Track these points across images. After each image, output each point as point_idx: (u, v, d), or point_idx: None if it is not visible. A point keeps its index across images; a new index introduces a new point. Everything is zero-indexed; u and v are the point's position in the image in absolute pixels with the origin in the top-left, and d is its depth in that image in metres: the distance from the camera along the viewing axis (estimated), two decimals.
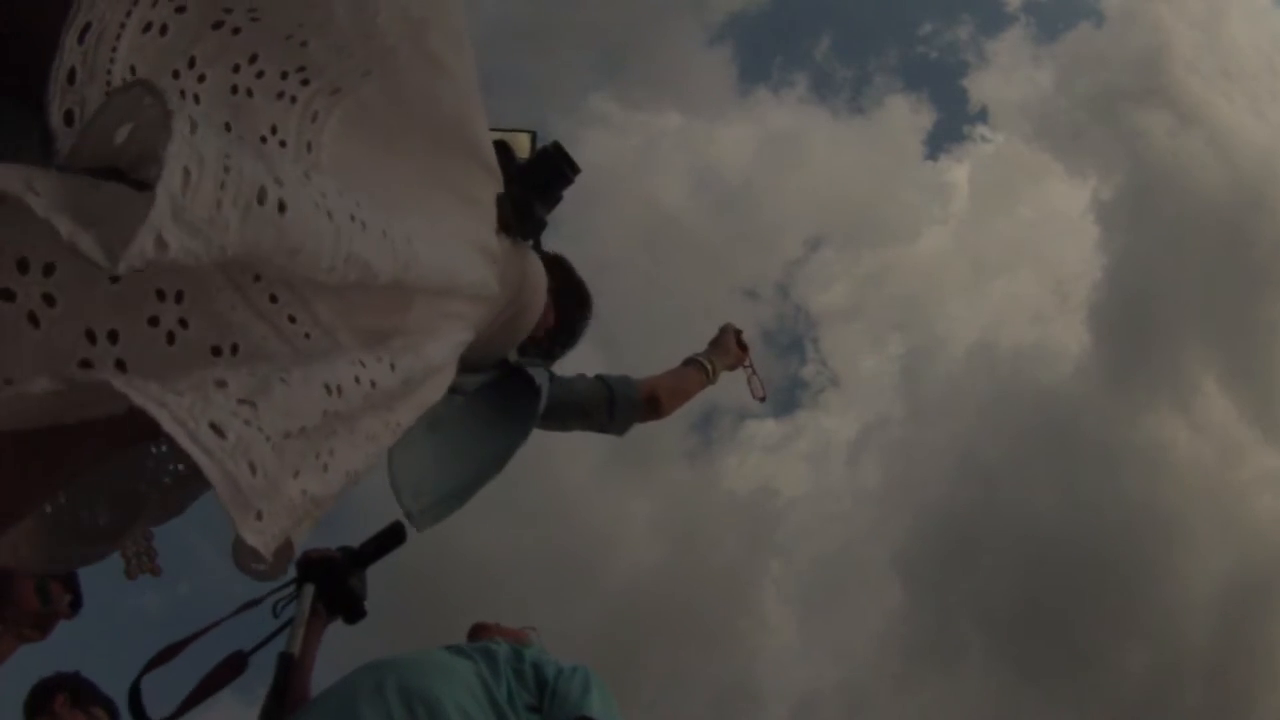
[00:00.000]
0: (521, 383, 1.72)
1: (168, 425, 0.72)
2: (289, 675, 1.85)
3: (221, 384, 0.79)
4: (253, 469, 0.78)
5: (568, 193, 1.61)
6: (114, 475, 1.13)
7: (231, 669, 1.90)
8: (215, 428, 0.76)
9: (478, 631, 2.02)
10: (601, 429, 1.91)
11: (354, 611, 2.05)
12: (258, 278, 0.88)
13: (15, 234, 0.74)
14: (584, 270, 1.98)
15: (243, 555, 1.05)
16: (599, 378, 1.92)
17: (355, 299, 0.99)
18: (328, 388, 0.90)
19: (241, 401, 0.79)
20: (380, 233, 0.95)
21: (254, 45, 0.91)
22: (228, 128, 0.90)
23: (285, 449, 0.83)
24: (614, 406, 1.87)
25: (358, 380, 0.95)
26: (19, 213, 0.69)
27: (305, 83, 0.96)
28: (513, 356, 1.74)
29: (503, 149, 1.45)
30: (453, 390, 1.53)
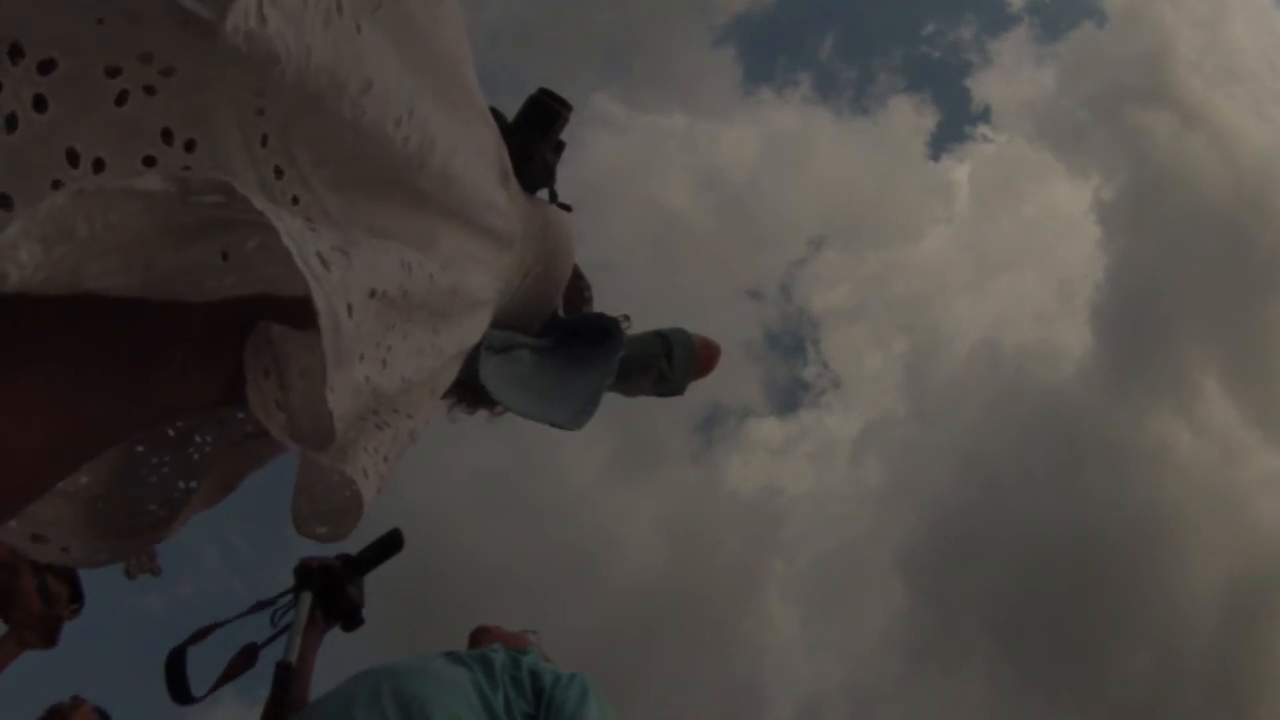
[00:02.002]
0: (587, 335, 1.69)
1: (285, 238, 0.69)
2: (289, 684, 1.86)
3: (313, 229, 0.76)
4: (350, 311, 0.75)
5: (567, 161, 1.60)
6: (157, 472, 1.11)
7: (245, 660, 1.94)
8: (322, 258, 0.72)
9: (479, 635, 2.02)
10: (663, 380, 1.86)
11: (352, 619, 2.06)
12: (296, 200, 0.83)
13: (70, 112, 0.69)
14: (587, 271, 1.98)
15: (304, 516, 0.97)
16: (653, 331, 1.90)
17: (385, 229, 0.93)
18: (402, 261, 0.87)
19: (335, 248, 0.76)
20: (430, 106, 0.92)
21: None
22: None
23: (368, 311, 0.79)
24: (670, 345, 1.83)
25: (420, 265, 0.91)
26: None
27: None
28: (561, 311, 1.71)
29: (493, 112, 1.43)
30: (510, 348, 1.54)
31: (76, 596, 2.70)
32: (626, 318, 1.87)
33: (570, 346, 1.67)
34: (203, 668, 1.93)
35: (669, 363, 1.84)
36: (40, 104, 0.68)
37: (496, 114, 1.46)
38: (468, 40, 1.19)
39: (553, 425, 1.48)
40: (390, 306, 0.86)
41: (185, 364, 0.82)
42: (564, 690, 1.70)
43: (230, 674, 1.90)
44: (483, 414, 1.66)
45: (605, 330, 1.68)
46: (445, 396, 1.46)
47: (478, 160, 1.18)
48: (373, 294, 0.80)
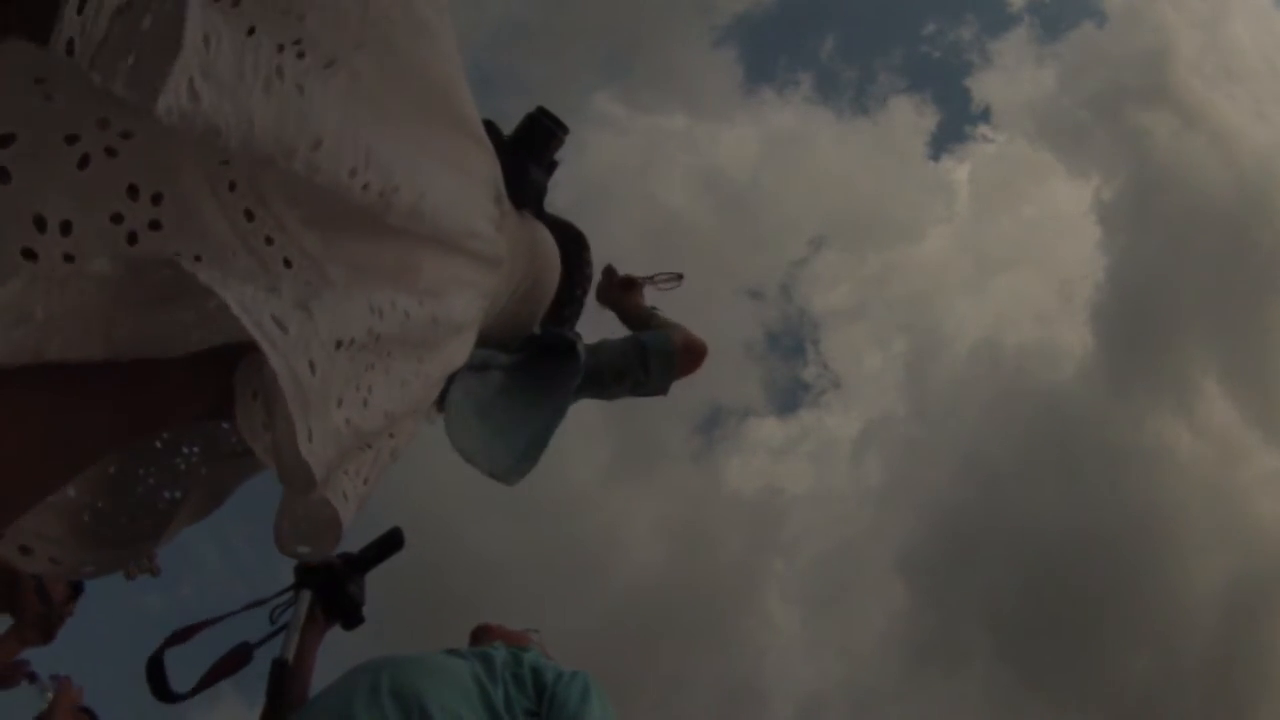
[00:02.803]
0: (557, 350, 1.70)
1: (235, 309, 0.71)
2: (283, 681, 1.86)
3: (274, 289, 0.78)
4: (312, 368, 0.77)
5: (562, 160, 1.61)
6: (144, 483, 1.12)
7: (238, 659, 1.93)
8: (277, 321, 0.74)
9: (480, 634, 2.01)
10: (641, 386, 1.85)
11: (352, 617, 2.06)
12: (270, 240, 0.84)
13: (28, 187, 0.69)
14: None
15: (285, 535, 0.99)
16: (631, 335, 1.90)
17: (365, 261, 0.95)
18: (370, 306, 0.88)
19: (296, 305, 0.78)
20: (394, 149, 0.93)
21: (252, 18, 0.87)
22: None
23: (335, 361, 0.81)
24: (647, 356, 1.82)
25: (394, 305, 0.93)
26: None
27: (300, 56, 0.92)
28: (536, 330, 1.72)
29: (490, 126, 1.43)
30: (487, 367, 1.55)
31: (76, 591, 2.70)
32: (679, 276, 1.88)
33: (541, 362, 1.67)
34: (203, 666, 1.92)
35: (645, 372, 1.83)
36: (4, 176, 0.69)
37: (492, 128, 1.46)
38: (460, 59, 1.19)
39: (491, 476, 1.49)
40: (363, 350, 0.87)
41: (175, 376, 0.83)
42: (566, 687, 1.70)
43: (221, 673, 1.89)
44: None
45: (569, 350, 1.68)
46: None
47: (463, 185, 1.17)
48: (339, 344, 0.81)
